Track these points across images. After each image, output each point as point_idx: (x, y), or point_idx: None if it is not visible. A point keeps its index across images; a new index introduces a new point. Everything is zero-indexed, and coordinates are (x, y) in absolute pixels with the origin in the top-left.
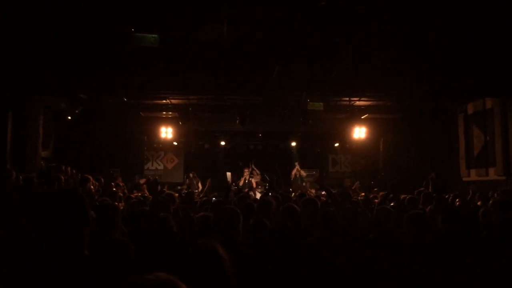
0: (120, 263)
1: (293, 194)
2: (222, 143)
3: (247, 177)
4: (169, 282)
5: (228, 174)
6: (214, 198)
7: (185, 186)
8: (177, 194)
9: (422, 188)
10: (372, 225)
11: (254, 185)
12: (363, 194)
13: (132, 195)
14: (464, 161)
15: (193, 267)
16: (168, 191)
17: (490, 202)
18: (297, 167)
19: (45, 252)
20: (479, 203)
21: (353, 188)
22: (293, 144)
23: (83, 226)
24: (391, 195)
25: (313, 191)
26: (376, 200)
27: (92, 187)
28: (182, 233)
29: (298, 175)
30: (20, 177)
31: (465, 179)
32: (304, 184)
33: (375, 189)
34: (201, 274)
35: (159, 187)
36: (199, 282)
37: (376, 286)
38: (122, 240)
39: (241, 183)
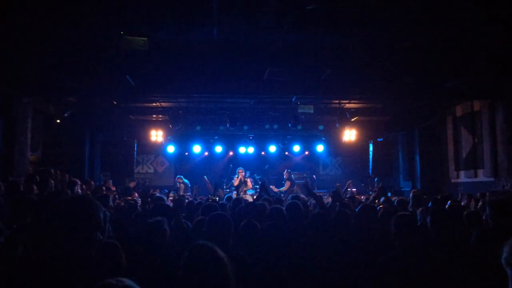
0: (109, 266)
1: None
2: (213, 146)
3: (242, 178)
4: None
5: (205, 178)
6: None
7: (180, 192)
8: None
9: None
10: (362, 227)
11: (250, 185)
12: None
13: (125, 198)
14: (453, 162)
15: (193, 268)
16: (158, 195)
17: (480, 203)
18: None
19: (42, 256)
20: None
21: (345, 186)
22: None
23: (93, 230)
24: (376, 200)
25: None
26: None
27: (80, 190)
28: (175, 236)
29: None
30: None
31: (454, 180)
32: (295, 188)
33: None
34: (201, 274)
35: (151, 191)
36: (199, 283)
37: (367, 286)
38: (111, 243)
39: (236, 183)
